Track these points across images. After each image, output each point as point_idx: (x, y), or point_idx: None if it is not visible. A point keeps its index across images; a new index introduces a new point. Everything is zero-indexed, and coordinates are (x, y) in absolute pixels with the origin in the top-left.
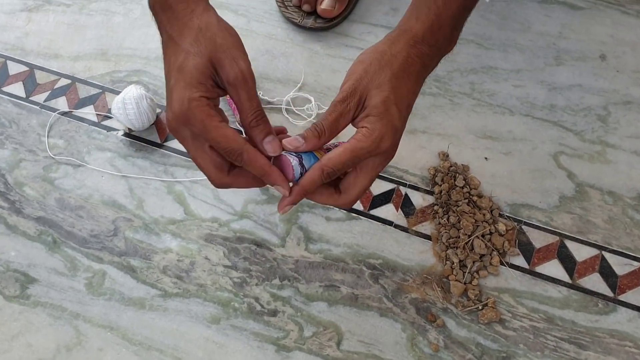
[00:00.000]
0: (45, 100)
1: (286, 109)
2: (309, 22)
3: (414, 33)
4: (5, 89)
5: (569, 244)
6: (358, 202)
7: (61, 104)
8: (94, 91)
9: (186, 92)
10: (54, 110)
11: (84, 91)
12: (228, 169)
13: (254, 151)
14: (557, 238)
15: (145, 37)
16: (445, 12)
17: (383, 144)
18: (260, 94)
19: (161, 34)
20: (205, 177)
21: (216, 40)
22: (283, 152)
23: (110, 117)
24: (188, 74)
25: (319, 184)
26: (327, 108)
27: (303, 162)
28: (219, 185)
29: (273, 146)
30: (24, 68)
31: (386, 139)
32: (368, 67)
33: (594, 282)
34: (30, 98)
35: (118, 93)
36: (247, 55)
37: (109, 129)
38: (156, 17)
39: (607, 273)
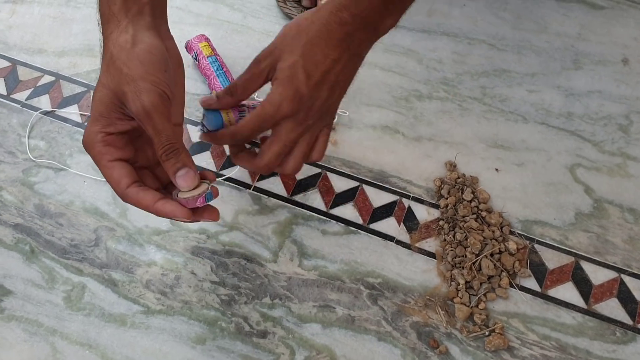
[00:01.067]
0: (27, 99)
1: None
2: None
3: (338, 1)
4: None
5: (585, 266)
6: (357, 215)
7: (44, 102)
8: (79, 89)
9: (90, 124)
10: (36, 109)
11: (68, 89)
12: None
13: (135, 193)
14: (572, 259)
15: None
16: None
17: (283, 108)
18: (255, 94)
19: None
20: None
21: (122, 70)
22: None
23: None
24: (94, 106)
25: (228, 143)
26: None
27: (204, 122)
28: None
29: (185, 180)
30: (6, 63)
31: (286, 103)
32: (287, 31)
33: (612, 308)
34: (12, 96)
35: None
36: (156, 84)
37: None
38: (102, 26)
39: (626, 298)
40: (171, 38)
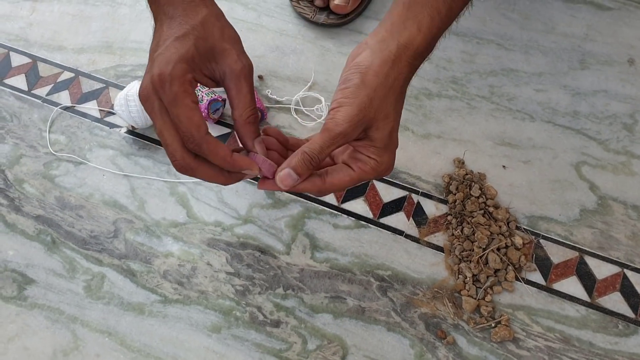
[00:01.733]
0: (47, 94)
1: (295, 109)
2: (322, 18)
3: (415, 48)
4: (7, 81)
5: (589, 261)
6: (368, 210)
7: (64, 98)
8: (98, 86)
9: (175, 58)
10: (56, 104)
11: (87, 85)
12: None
13: (214, 141)
14: (577, 254)
15: (151, 30)
16: (447, 23)
17: (387, 172)
18: (268, 92)
19: (156, 17)
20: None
21: (224, 30)
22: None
23: (113, 114)
24: (186, 47)
25: (302, 192)
26: None
27: None
28: (182, 166)
29: (262, 147)
30: (27, 60)
31: (390, 167)
32: (373, 94)
33: (615, 301)
34: (33, 91)
35: (122, 88)
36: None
37: (112, 125)
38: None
39: (628, 292)
40: None
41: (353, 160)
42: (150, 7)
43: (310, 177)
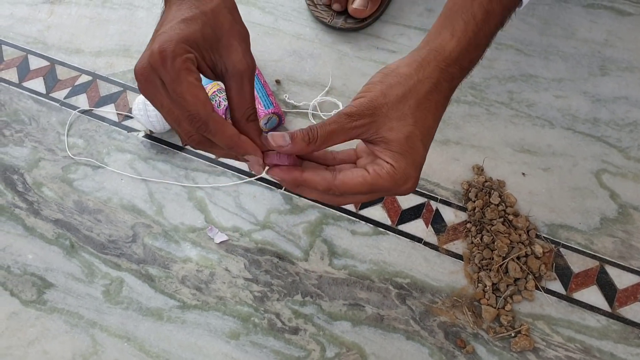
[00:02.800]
0: (65, 97)
1: (312, 114)
2: (339, 22)
3: (447, 54)
4: (25, 84)
5: (610, 270)
6: (386, 216)
7: (82, 101)
8: (115, 89)
9: (178, 37)
10: (74, 107)
11: (105, 89)
12: None
13: (221, 120)
14: (597, 263)
15: None
16: (485, 28)
17: (406, 185)
18: (285, 97)
19: (167, 1)
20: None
21: (234, 25)
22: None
23: (131, 117)
24: (191, 30)
25: (320, 190)
26: None
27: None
28: (199, 141)
29: (269, 143)
30: (45, 63)
31: (410, 180)
32: (388, 90)
33: (636, 312)
34: (51, 94)
35: (139, 92)
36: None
37: (130, 129)
38: None
39: None
40: None
41: (370, 164)
42: None
43: (319, 169)
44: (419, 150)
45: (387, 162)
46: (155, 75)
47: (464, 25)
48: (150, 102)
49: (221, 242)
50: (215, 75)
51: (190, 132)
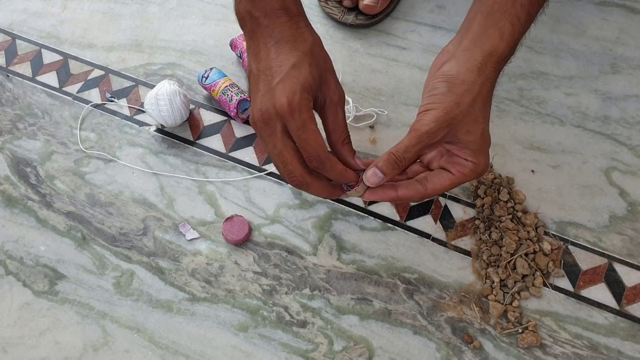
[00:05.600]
0: (78, 92)
1: None
2: (350, 18)
3: (500, 55)
4: (39, 78)
5: (618, 268)
6: (394, 212)
7: (94, 95)
8: (127, 84)
9: (299, 88)
10: (86, 102)
11: (117, 83)
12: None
13: (334, 159)
14: (606, 260)
15: (180, 29)
16: (525, 28)
17: (484, 171)
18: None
19: (253, 34)
20: (278, 173)
21: (327, 60)
22: None
23: (143, 112)
24: (304, 76)
25: (404, 199)
26: (365, 110)
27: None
28: (300, 182)
29: (361, 162)
30: (58, 57)
31: (486, 166)
32: (460, 99)
33: None
34: (64, 88)
35: (151, 86)
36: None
37: (141, 123)
38: (254, 19)
39: None
40: None
41: (451, 164)
42: (242, 20)
43: (411, 184)
44: (487, 140)
45: (469, 160)
46: (279, 122)
47: (511, 28)
48: (264, 144)
49: (192, 239)
50: (315, 108)
51: (293, 173)
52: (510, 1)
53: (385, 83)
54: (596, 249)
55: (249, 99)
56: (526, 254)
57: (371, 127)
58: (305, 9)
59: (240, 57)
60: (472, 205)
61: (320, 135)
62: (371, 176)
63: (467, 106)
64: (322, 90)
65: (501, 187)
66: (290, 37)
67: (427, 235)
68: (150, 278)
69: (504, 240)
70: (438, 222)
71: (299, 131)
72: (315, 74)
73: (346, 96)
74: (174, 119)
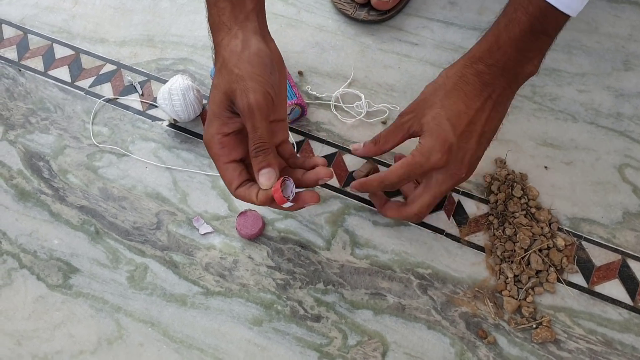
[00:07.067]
0: (90, 86)
1: (335, 106)
2: (362, 14)
3: (471, 54)
4: (51, 72)
5: (632, 264)
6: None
7: (106, 90)
8: (140, 78)
9: (207, 126)
10: (99, 96)
11: (129, 78)
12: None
13: (242, 193)
14: (619, 257)
15: (192, 24)
16: (506, 34)
17: (433, 157)
18: (308, 88)
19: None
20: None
21: (233, 71)
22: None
23: (156, 106)
24: (211, 108)
25: (375, 190)
26: (377, 106)
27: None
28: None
29: (266, 178)
30: (70, 52)
31: (435, 152)
32: (427, 90)
33: None
34: (76, 83)
35: (163, 81)
36: (263, 84)
37: (154, 118)
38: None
39: None
40: (272, 40)
41: None
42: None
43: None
44: (446, 128)
45: (418, 143)
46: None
47: (488, 32)
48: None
49: (205, 234)
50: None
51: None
52: (501, 13)
53: (398, 79)
54: (610, 245)
55: (292, 103)
56: (540, 250)
57: (383, 122)
58: (316, 5)
59: None
60: (486, 201)
61: (227, 171)
62: (355, 146)
63: (429, 95)
64: (234, 102)
65: (515, 183)
66: (217, 59)
67: (440, 231)
68: (164, 272)
69: (517, 236)
70: (451, 217)
71: (215, 166)
72: (218, 97)
73: (359, 92)
74: (187, 114)
